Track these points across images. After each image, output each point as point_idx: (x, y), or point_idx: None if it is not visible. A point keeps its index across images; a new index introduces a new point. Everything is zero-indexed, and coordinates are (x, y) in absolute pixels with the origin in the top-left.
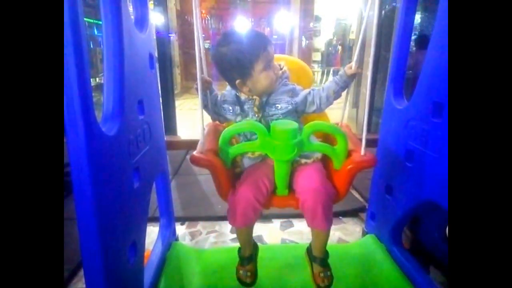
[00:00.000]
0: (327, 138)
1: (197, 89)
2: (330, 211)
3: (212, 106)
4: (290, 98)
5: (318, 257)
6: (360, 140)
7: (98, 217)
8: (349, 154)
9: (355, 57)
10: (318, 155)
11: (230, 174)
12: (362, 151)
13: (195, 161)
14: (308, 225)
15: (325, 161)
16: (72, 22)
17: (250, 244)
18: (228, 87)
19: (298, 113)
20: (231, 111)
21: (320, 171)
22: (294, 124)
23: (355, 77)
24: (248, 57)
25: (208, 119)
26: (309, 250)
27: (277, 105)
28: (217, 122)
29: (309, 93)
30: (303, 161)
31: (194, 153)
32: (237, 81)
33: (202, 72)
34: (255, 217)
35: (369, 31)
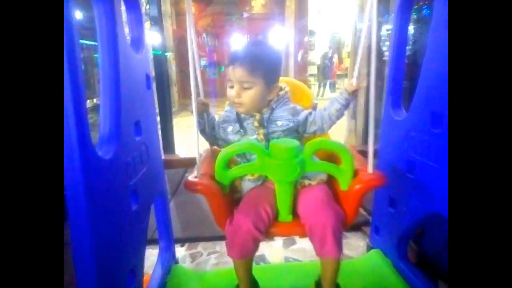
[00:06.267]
0: (330, 159)
1: (192, 111)
2: (340, 236)
3: (209, 129)
4: (291, 116)
5: None
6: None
7: (95, 243)
8: (355, 173)
9: (355, 72)
10: (323, 176)
11: (228, 200)
12: (370, 169)
13: (189, 186)
14: (317, 254)
15: (330, 183)
16: (68, 48)
17: (249, 281)
18: (227, 108)
19: (299, 133)
20: (230, 130)
21: (326, 192)
22: (295, 142)
23: (357, 93)
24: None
25: (204, 143)
26: (318, 283)
27: (277, 122)
28: (215, 147)
29: (310, 113)
30: (307, 182)
31: (189, 177)
32: None
33: (198, 95)
34: (255, 248)
35: (365, 42)
